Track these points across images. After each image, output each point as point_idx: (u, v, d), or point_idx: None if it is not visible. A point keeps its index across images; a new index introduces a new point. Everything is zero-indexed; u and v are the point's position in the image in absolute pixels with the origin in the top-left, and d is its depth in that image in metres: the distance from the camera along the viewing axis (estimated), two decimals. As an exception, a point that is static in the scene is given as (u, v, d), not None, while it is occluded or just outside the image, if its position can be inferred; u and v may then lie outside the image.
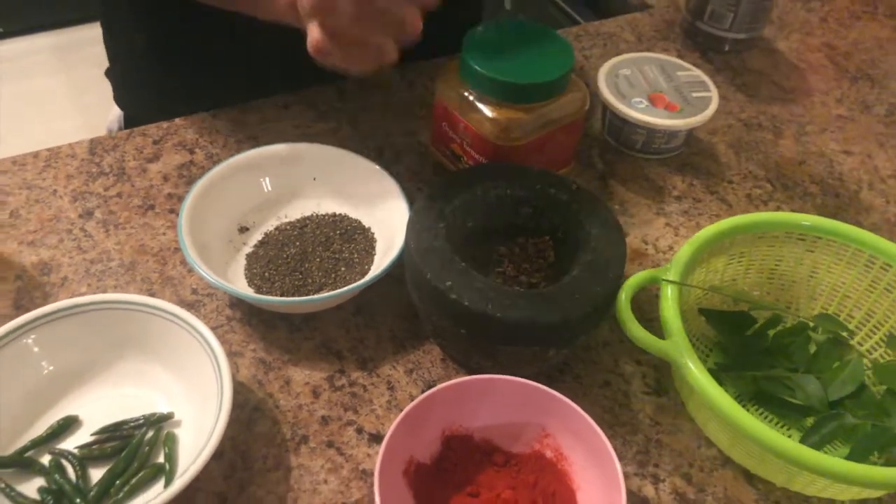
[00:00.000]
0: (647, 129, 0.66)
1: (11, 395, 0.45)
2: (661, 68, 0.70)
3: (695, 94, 0.68)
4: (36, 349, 0.47)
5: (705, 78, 0.69)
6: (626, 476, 0.47)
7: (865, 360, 0.50)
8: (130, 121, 0.79)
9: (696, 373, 0.43)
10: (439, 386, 0.44)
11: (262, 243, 0.57)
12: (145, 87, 0.77)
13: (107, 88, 0.82)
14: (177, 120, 0.66)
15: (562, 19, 1.03)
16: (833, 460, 0.40)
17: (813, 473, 0.40)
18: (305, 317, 0.54)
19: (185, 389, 0.47)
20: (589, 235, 0.50)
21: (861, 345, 0.52)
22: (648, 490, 0.47)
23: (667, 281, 0.47)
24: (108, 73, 0.81)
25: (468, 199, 0.52)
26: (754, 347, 0.51)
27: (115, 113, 0.82)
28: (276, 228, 0.58)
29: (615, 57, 0.70)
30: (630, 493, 0.47)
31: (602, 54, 0.79)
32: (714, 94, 0.68)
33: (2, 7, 2.00)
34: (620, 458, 0.43)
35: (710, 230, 0.51)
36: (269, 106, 0.68)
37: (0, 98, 1.82)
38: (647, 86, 0.68)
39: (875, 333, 0.52)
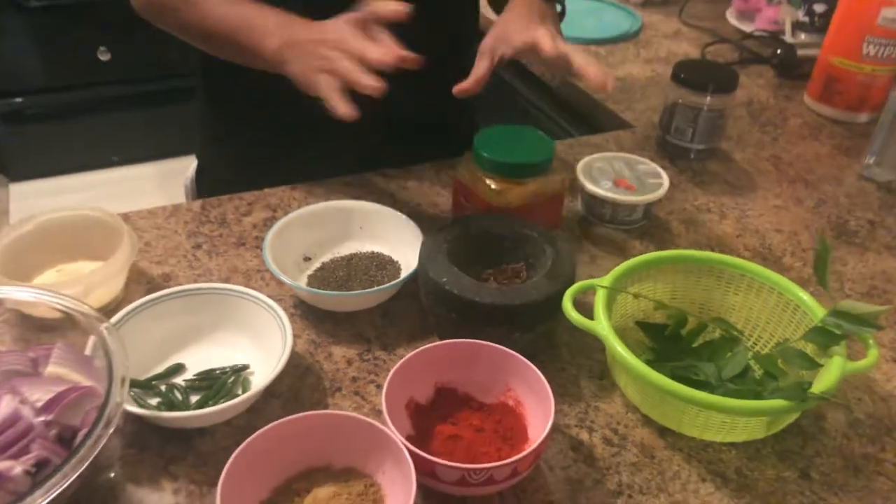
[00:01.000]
0: (611, 203, 0.87)
1: (145, 343, 0.66)
2: (625, 162, 0.92)
3: (650, 181, 0.89)
4: (162, 315, 0.68)
5: (660, 170, 0.91)
6: (568, 427, 0.65)
7: (750, 353, 0.68)
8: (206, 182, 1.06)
9: (611, 339, 0.62)
10: (431, 344, 0.64)
11: (319, 269, 0.79)
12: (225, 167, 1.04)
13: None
14: (265, 189, 0.91)
15: (560, 132, 1.27)
16: (689, 390, 0.57)
17: (681, 401, 0.58)
18: (346, 315, 0.74)
19: (259, 350, 0.68)
20: (548, 259, 0.70)
21: (754, 346, 0.70)
22: (584, 436, 0.64)
23: (600, 286, 0.67)
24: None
25: (465, 233, 0.73)
26: (672, 346, 0.69)
27: (191, 169, 1.08)
28: (331, 260, 0.80)
29: (593, 155, 0.93)
30: (570, 437, 0.64)
31: (589, 158, 1.02)
32: (665, 180, 0.89)
33: (117, 142, 2.46)
34: (565, 416, 0.62)
35: (641, 257, 0.71)
36: (335, 183, 0.93)
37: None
38: (613, 174, 0.90)
39: (763, 339, 0.69)
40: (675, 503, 0.59)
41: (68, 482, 0.47)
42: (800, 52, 1.29)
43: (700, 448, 0.64)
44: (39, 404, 0.52)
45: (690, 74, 1.00)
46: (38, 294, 0.59)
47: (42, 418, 0.51)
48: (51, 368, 0.55)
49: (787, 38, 1.37)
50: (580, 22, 1.47)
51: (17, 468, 0.48)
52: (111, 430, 0.50)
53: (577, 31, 1.40)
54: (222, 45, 0.81)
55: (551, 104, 1.33)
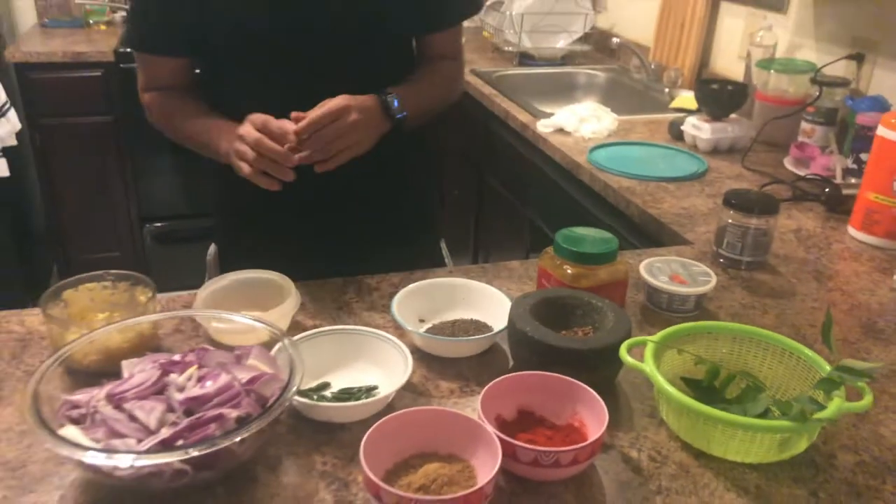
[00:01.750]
0: (667, 293, 1.07)
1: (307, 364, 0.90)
2: (681, 264, 1.13)
3: (701, 278, 1.09)
4: (316, 346, 0.92)
5: (710, 270, 1.11)
6: (621, 447, 0.82)
7: (771, 401, 0.85)
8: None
9: (655, 374, 0.81)
10: (513, 374, 0.84)
11: (430, 328, 1.02)
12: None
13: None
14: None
15: (627, 247, 1.49)
16: (714, 410, 0.75)
17: (707, 419, 0.75)
18: (451, 360, 0.96)
19: (386, 377, 0.90)
20: (611, 322, 0.91)
21: (775, 395, 0.87)
22: (633, 454, 0.82)
23: (650, 341, 0.86)
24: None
25: (545, 300, 0.95)
26: (708, 395, 0.87)
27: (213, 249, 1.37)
28: (440, 322, 1.03)
29: (654, 258, 1.14)
30: (622, 454, 0.82)
31: (653, 264, 1.23)
32: (714, 278, 1.09)
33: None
34: (619, 439, 0.80)
35: (685, 324, 0.90)
36: (441, 273, 1.17)
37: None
38: (669, 271, 1.11)
39: (782, 390, 0.86)
40: (701, 499, 0.76)
41: (261, 427, 0.69)
42: (845, 191, 1.49)
43: (728, 468, 0.80)
44: (244, 380, 0.75)
45: (739, 200, 1.22)
46: (246, 319, 0.85)
47: (246, 388, 0.74)
48: (250, 361, 0.79)
49: (838, 180, 1.57)
50: (655, 164, 1.73)
51: (232, 414, 0.71)
52: (287, 403, 0.73)
53: (651, 171, 1.65)
54: (199, 150, 1.20)
55: (623, 225, 1.56)
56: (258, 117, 1.05)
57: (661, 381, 0.80)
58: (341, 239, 1.28)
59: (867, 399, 0.78)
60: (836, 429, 0.87)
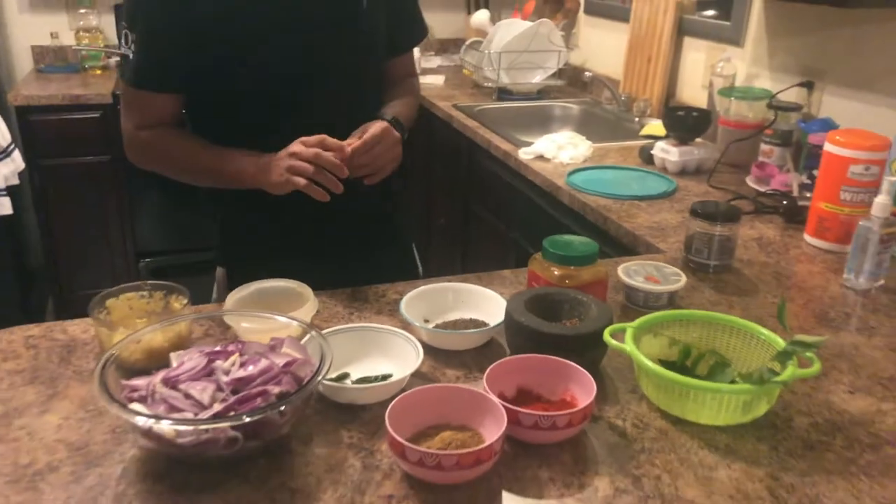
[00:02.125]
0: (643, 292, 1.21)
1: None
2: (654, 267, 1.26)
3: (672, 278, 1.23)
4: (335, 341, 1.03)
5: (680, 272, 1.24)
6: (608, 417, 0.95)
7: (736, 373, 0.97)
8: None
9: (634, 352, 0.93)
10: (513, 356, 0.96)
11: (434, 326, 1.14)
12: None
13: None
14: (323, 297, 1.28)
15: (605, 258, 1.62)
16: (686, 378, 0.88)
17: (679, 386, 0.88)
18: (455, 352, 1.08)
19: (399, 367, 1.01)
20: (594, 312, 1.04)
21: (740, 370, 0.99)
22: (619, 422, 0.94)
23: (629, 327, 0.99)
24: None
25: (536, 296, 1.08)
26: (681, 372, 0.99)
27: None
28: (443, 322, 1.15)
29: (630, 262, 1.28)
30: (609, 423, 0.94)
31: (630, 270, 1.36)
32: (684, 278, 1.23)
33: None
34: (606, 412, 0.92)
35: (659, 313, 1.03)
36: (441, 280, 1.29)
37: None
38: (644, 273, 1.24)
39: (746, 366, 0.99)
40: (681, 459, 0.88)
41: (301, 399, 0.81)
42: (801, 203, 1.64)
43: (701, 431, 0.92)
44: (281, 364, 0.87)
45: (704, 210, 1.36)
46: (281, 317, 0.96)
47: (284, 370, 0.86)
48: (284, 349, 0.90)
49: (795, 194, 1.73)
50: (628, 185, 1.88)
51: (274, 390, 0.82)
52: (321, 379, 0.84)
53: (625, 191, 1.80)
54: (214, 178, 1.31)
55: (601, 239, 1.69)
56: (314, 137, 1.19)
57: (641, 357, 0.93)
58: (334, 251, 1.42)
59: (816, 366, 0.91)
60: (793, 397, 0.99)
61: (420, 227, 3.09)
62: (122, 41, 1.28)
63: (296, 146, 1.20)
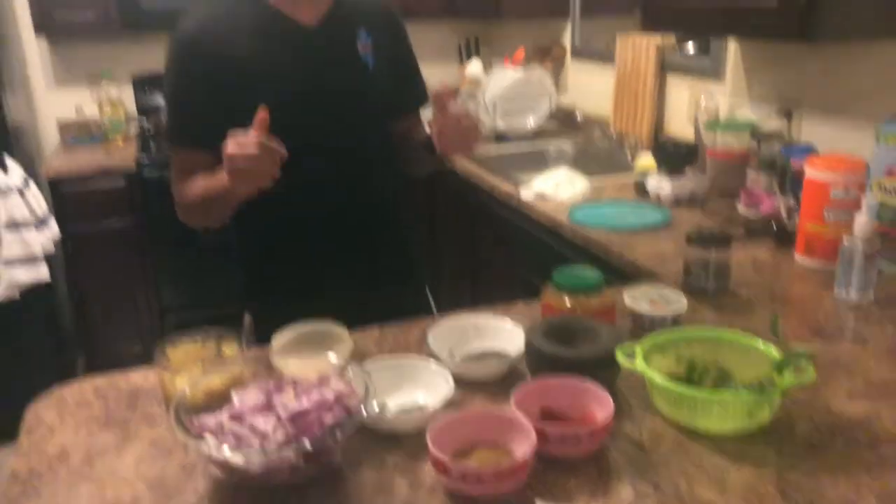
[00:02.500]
0: (649, 317, 1.31)
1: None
2: (657, 293, 1.37)
3: (675, 302, 1.33)
4: (373, 374, 1.13)
5: (682, 296, 1.35)
6: (626, 432, 1.04)
7: (738, 383, 1.07)
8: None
9: (645, 369, 1.03)
10: (536, 379, 1.06)
11: (461, 357, 1.24)
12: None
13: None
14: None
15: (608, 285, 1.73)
16: (692, 389, 0.98)
17: (688, 397, 0.98)
18: (481, 383, 1.18)
19: (432, 397, 1.11)
20: (606, 336, 1.14)
21: (740, 382, 1.10)
22: (636, 434, 1.04)
23: (638, 346, 1.10)
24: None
25: (552, 325, 1.18)
26: (688, 385, 1.10)
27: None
28: (467, 353, 1.25)
29: (634, 289, 1.39)
30: (626, 435, 1.04)
31: (635, 297, 1.47)
32: (685, 301, 1.33)
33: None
34: (623, 426, 1.02)
35: (666, 332, 1.14)
36: (461, 311, 1.40)
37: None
38: (648, 298, 1.35)
39: (748, 378, 1.09)
40: (696, 465, 0.97)
41: (350, 429, 0.91)
42: (790, 225, 1.76)
43: (711, 440, 1.02)
44: (331, 397, 0.97)
45: (699, 238, 1.47)
46: (323, 355, 1.07)
47: (334, 401, 0.96)
48: (332, 385, 1.00)
49: (784, 217, 1.84)
50: (626, 217, 2.00)
51: (329, 420, 0.92)
52: (368, 409, 0.94)
53: (624, 223, 1.92)
54: (221, 207, 1.42)
55: (605, 270, 1.80)
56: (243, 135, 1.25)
57: (652, 374, 1.03)
58: (356, 294, 1.52)
59: (811, 373, 1.02)
60: (795, 405, 1.09)
61: (429, 268, 3.20)
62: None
63: (230, 146, 1.24)
